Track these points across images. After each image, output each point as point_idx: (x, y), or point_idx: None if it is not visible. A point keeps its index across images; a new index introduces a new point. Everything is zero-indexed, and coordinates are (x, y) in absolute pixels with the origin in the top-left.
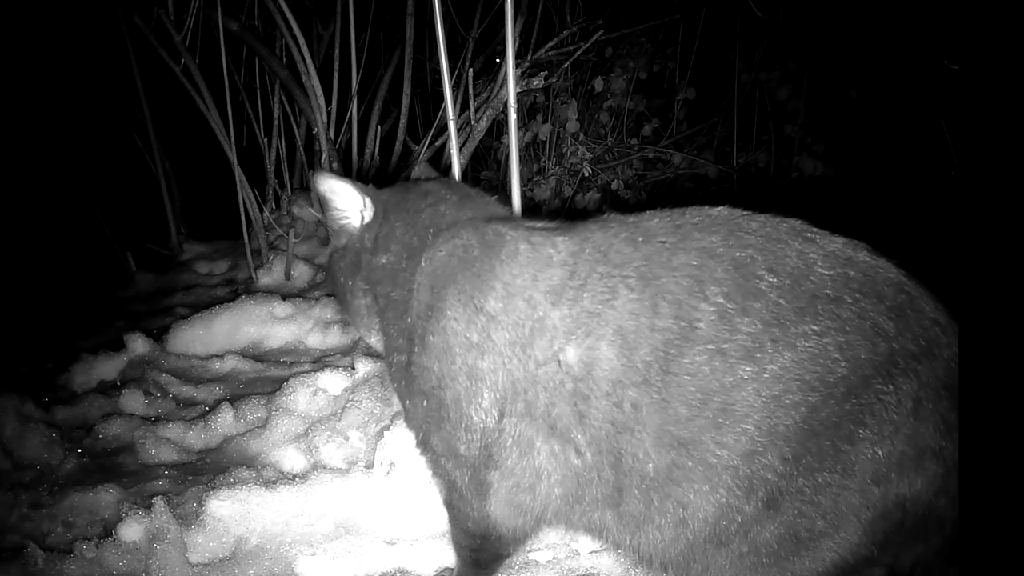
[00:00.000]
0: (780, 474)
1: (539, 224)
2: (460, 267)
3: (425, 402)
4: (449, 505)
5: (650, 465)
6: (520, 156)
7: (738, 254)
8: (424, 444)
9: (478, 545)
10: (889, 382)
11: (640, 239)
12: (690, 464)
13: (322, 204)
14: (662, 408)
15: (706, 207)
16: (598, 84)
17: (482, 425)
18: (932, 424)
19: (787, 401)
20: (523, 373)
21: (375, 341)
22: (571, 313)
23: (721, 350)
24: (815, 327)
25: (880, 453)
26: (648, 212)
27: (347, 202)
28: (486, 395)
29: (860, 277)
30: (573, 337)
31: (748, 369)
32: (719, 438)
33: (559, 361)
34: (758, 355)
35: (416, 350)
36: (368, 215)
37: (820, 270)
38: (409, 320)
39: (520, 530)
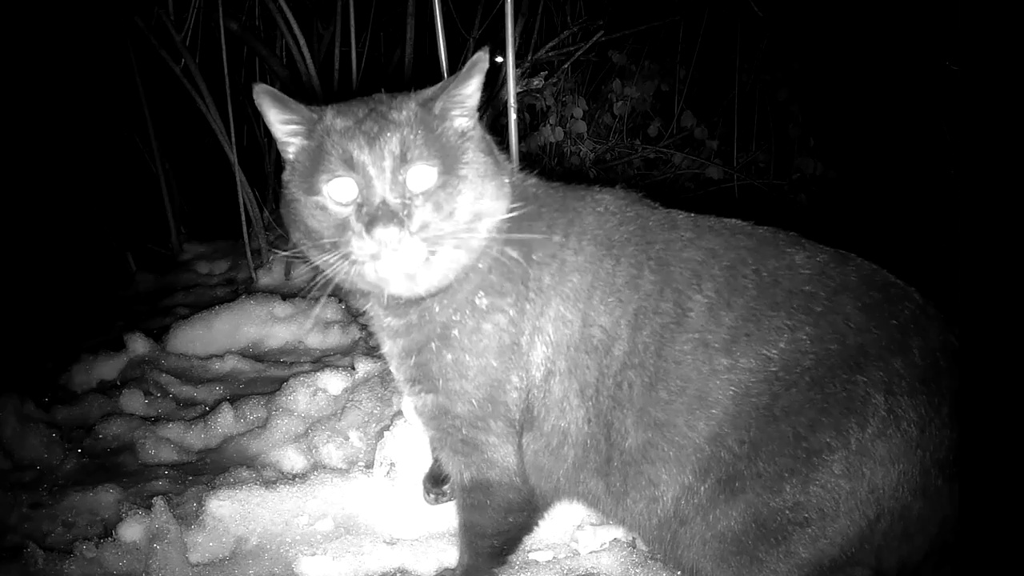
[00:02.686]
0: (737, 456)
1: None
2: (532, 204)
3: (495, 361)
4: (484, 486)
5: (628, 441)
6: (520, 156)
7: (733, 255)
8: (472, 414)
9: (509, 524)
10: (858, 373)
11: (667, 224)
12: (663, 445)
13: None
14: (649, 390)
15: (723, 218)
16: (616, 88)
17: (534, 380)
18: (907, 419)
19: (754, 391)
20: (577, 328)
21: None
22: (615, 271)
23: (705, 340)
24: (788, 321)
25: (847, 445)
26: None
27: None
28: (540, 350)
29: (840, 276)
30: (611, 301)
31: (725, 362)
32: (691, 423)
33: (603, 327)
34: (734, 347)
35: (506, 302)
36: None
37: (802, 271)
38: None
39: (549, 494)
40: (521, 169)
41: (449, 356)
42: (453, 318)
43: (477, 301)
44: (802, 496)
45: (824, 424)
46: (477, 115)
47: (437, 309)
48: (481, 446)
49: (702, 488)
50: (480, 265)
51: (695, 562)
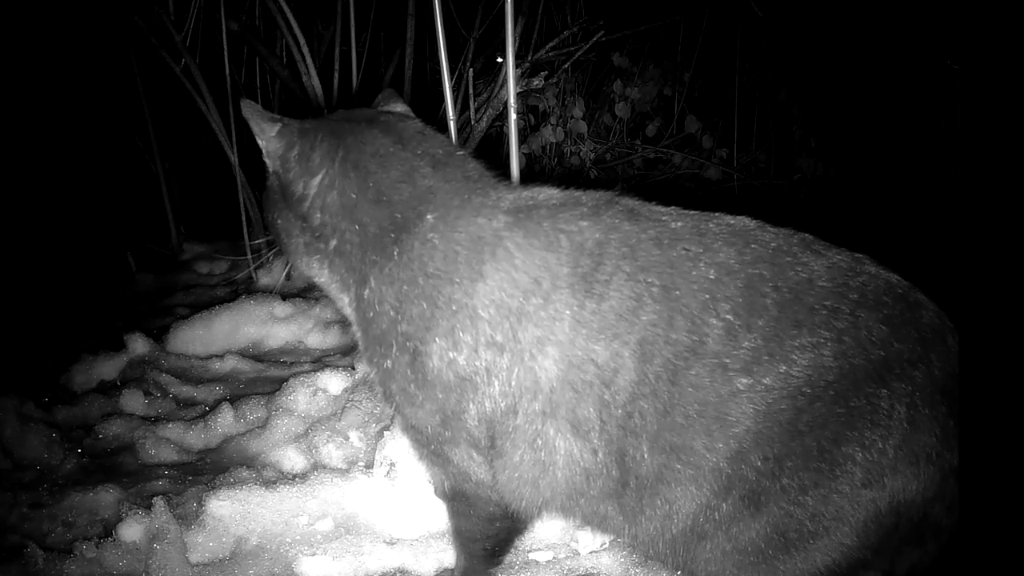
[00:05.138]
0: (761, 473)
1: (555, 198)
2: (487, 254)
3: (441, 394)
4: (463, 496)
5: (644, 467)
6: (520, 155)
7: (751, 271)
8: (433, 437)
9: (496, 529)
10: (882, 387)
11: (666, 241)
12: (678, 467)
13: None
14: (663, 417)
15: (728, 216)
16: (617, 88)
17: (492, 415)
18: (927, 429)
19: (776, 408)
20: (553, 373)
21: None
22: (600, 309)
23: (723, 364)
24: (810, 339)
25: (870, 456)
26: (673, 209)
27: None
28: (498, 388)
29: (860, 288)
30: (603, 338)
31: (744, 381)
32: (709, 444)
33: (595, 362)
34: (755, 368)
35: (438, 342)
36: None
37: (821, 283)
38: (423, 306)
39: (533, 513)
40: (481, 203)
41: (394, 385)
42: (379, 350)
43: (399, 341)
44: (823, 507)
45: (848, 437)
46: (268, 162)
47: (359, 334)
48: (452, 460)
49: (723, 505)
50: (376, 311)
51: (712, 574)
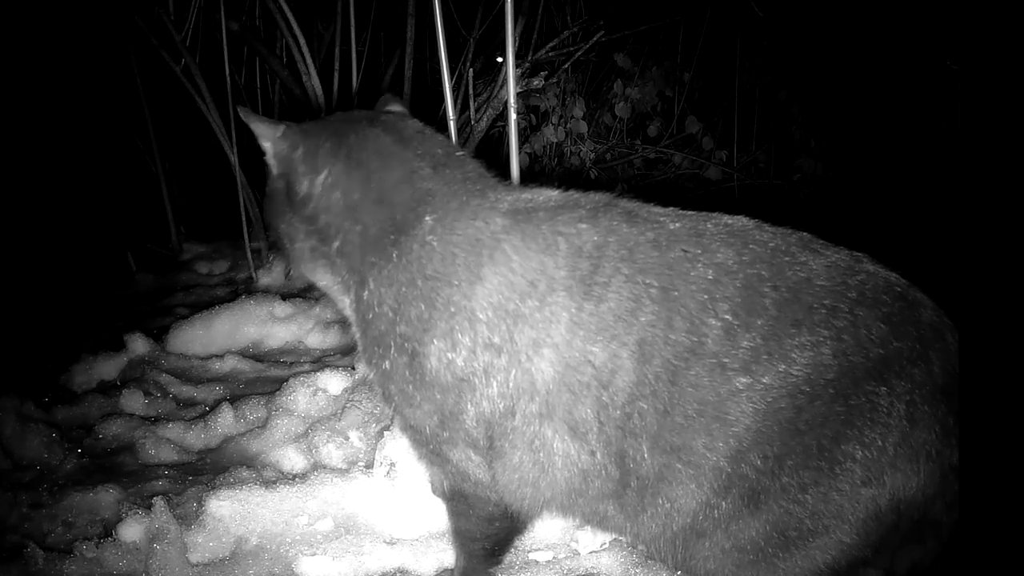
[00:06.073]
0: (760, 471)
1: (553, 200)
2: (485, 257)
3: (439, 395)
4: (461, 496)
5: (644, 467)
6: (520, 155)
7: (749, 271)
8: (431, 437)
9: (495, 529)
10: (881, 385)
11: (664, 243)
12: (679, 467)
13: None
14: (663, 417)
15: (726, 216)
16: (618, 88)
17: (490, 416)
18: (927, 427)
19: (775, 407)
20: (549, 375)
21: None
22: (598, 311)
23: (722, 363)
24: (809, 338)
25: (870, 454)
26: (671, 210)
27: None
28: (496, 390)
29: (858, 286)
30: (600, 340)
31: (743, 380)
32: (709, 444)
33: (592, 363)
34: (754, 367)
35: (436, 343)
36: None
37: (820, 282)
38: (421, 308)
39: (533, 513)
40: (485, 206)
41: (392, 386)
42: (378, 351)
43: (397, 343)
44: (823, 505)
45: (848, 435)
46: (272, 164)
47: (358, 335)
48: (451, 460)
49: (723, 503)
50: (374, 312)
51: (711, 571)
